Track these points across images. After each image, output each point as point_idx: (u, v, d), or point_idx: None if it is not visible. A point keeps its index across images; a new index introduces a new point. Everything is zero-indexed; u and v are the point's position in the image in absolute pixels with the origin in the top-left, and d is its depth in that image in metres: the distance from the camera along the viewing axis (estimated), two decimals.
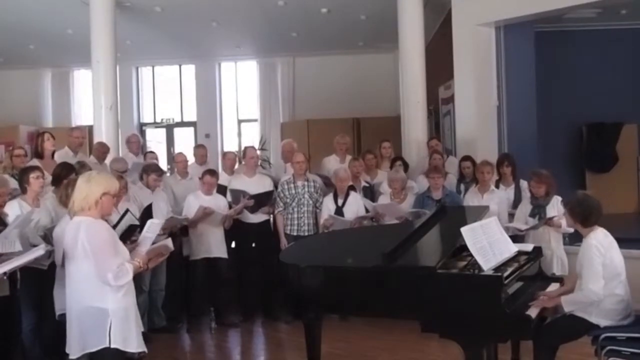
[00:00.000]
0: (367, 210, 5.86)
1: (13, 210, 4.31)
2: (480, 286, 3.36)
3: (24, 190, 4.55)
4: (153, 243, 3.49)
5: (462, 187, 6.32)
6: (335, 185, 5.97)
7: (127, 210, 4.44)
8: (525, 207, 5.50)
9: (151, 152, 7.38)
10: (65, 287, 3.25)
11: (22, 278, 4.27)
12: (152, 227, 3.52)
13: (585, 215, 3.74)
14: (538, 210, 5.36)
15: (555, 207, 5.34)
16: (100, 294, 3.09)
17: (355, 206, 5.89)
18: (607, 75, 9.94)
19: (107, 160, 6.62)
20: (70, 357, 3.16)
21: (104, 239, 3.11)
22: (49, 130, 6.93)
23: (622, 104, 9.82)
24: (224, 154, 7.23)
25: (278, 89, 12.49)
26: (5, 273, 3.45)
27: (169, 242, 3.61)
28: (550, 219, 5.27)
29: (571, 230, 5.37)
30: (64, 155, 6.19)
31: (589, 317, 3.65)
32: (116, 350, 3.10)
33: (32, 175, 4.51)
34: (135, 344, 3.19)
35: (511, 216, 5.79)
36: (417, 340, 4.67)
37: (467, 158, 6.51)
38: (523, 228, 5.24)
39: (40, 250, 3.38)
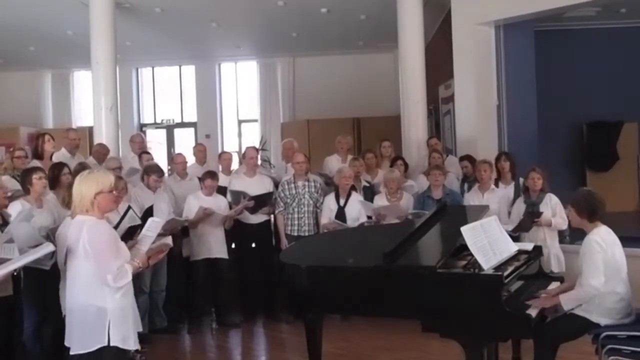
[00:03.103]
0: (368, 217, 5.85)
1: (16, 211, 4.31)
2: (481, 285, 3.36)
3: (26, 191, 4.56)
4: (153, 242, 3.48)
5: (466, 186, 6.33)
6: (339, 184, 5.97)
7: (129, 207, 4.44)
8: (519, 206, 5.51)
9: (146, 152, 7.27)
10: (67, 283, 3.26)
11: (25, 278, 4.28)
12: (153, 226, 3.50)
13: (591, 210, 3.72)
14: (532, 208, 5.36)
15: (549, 205, 5.36)
16: (99, 293, 3.11)
17: (357, 206, 5.88)
18: (607, 74, 9.93)
19: None
20: (71, 352, 3.17)
21: (105, 241, 3.12)
22: (49, 132, 6.93)
23: (623, 103, 9.81)
24: (220, 155, 7.22)
25: (278, 89, 12.50)
26: (14, 271, 3.45)
27: (168, 238, 3.60)
28: (538, 216, 5.27)
29: (563, 227, 5.41)
30: (61, 157, 6.19)
31: (590, 316, 3.65)
32: (116, 348, 3.13)
33: (35, 177, 4.52)
34: (132, 342, 3.23)
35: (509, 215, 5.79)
36: (418, 339, 4.67)
37: (465, 157, 6.52)
38: (508, 229, 5.06)
39: (49, 247, 3.37)
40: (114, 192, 3.31)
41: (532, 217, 5.29)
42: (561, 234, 5.67)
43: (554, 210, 5.36)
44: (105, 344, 3.10)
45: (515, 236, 5.25)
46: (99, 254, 3.08)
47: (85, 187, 3.18)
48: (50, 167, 5.07)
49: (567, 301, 3.63)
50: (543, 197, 5.39)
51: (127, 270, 3.14)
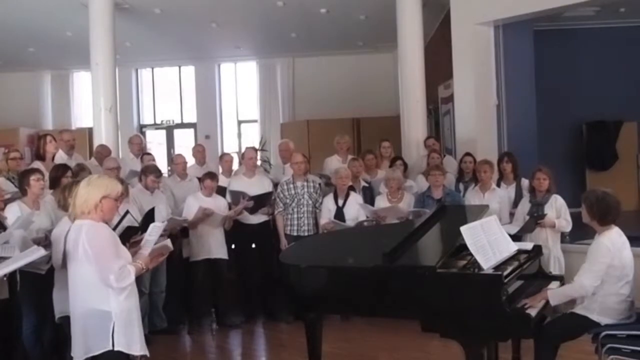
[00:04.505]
0: (366, 216, 5.85)
1: (13, 212, 4.31)
2: (481, 285, 3.35)
3: (24, 193, 4.55)
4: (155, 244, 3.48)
5: (462, 186, 6.34)
6: (336, 184, 5.97)
7: (127, 212, 4.44)
8: (524, 206, 5.51)
9: (148, 153, 7.30)
10: (69, 289, 3.23)
11: (22, 281, 4.27)
12: (155, 230, 3.48)
13: (602, 214, 3.68)
14: (537, 209, 5.35)
15: (554, 206, 5.36)
16: (102, 296, 3.08)
17: (356, 207, 5.88)
18: (607, 74, 9.93)
19: None
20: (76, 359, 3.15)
21: (105, 242, 3.10)
22: (49, 133, 6.93)
23: (622, 102, 9.81)
24: (221, 156, 7.22)
25: (278, 90, 12.50)
26: (5, 275, 3.44)
27: (168, 242, 3.61)
28: (542, 217, 5.26)
29: (567, 229, 5.41)
30: (58, 158, 6.19)
31: (590, 315, 3.64)
32: (120, 353, 3.09)
33: (33, 178, 4.50)
34: (138, 347, 3.18)
35: (511, 215, 5.79)
36: (418, 339, 4.64)
37: (468, 154, 6.54)
38: (512, 232, 4.99)
39: (41, 251, 3.36)
40: (118, 202, 3.30)
41: (535, 218, 5.28)
42: (561, 233, 5.67)
43: (558, 211, 5.35)
44: (110, 348, 3.06)
45: (517, 236, 5.26)
46: (99, 254, 3.05)
47: (92, 189, 3.16)
48: (54, 167, 5.07)
49: (554, 296, 3.63)
50: (549, 197, 5.38)
51: (130, 270, 3.10)
